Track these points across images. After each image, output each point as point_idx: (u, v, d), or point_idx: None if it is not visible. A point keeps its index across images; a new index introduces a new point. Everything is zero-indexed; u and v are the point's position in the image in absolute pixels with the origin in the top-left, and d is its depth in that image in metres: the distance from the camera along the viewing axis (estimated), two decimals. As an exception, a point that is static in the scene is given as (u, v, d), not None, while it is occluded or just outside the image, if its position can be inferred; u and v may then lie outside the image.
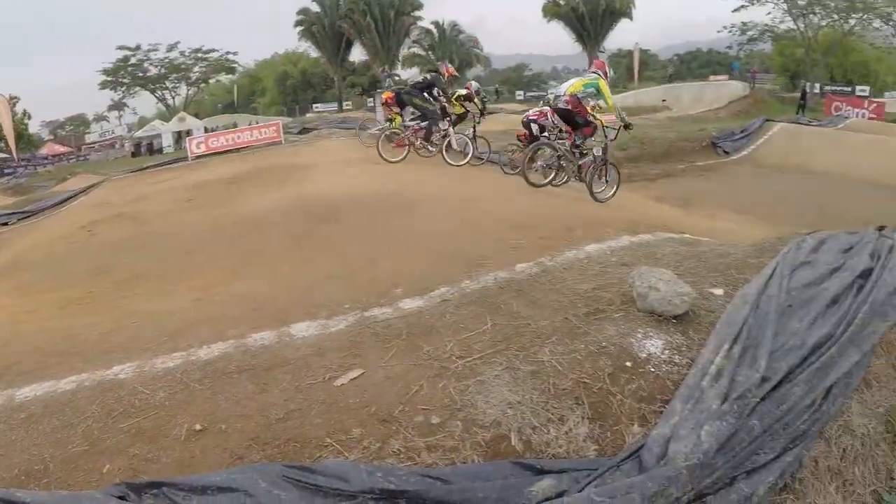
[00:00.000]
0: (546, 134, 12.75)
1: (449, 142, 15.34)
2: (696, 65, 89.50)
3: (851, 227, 13.18)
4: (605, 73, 11.74)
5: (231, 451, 3.46)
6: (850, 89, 53.18)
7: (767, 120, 29.22)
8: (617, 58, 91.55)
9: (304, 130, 25.14)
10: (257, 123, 31.05)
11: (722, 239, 9.25)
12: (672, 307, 4.23)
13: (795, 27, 53.98)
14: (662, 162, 24.19)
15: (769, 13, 55.43)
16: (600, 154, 11.76)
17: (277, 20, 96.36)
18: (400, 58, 70.44)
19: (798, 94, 42.90)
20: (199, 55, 63.84)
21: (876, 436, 4.43)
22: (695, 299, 4.54)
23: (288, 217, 9.69)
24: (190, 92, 67.12)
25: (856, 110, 39.88)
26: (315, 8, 69.84)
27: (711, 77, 62.61)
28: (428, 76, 15.56)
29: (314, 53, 74.95)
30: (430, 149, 15.33)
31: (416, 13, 69.20)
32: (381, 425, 3.59)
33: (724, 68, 70.26)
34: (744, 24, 56.70)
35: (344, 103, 68.67)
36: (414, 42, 69.38)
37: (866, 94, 52.24)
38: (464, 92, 16.32)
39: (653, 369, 4.05)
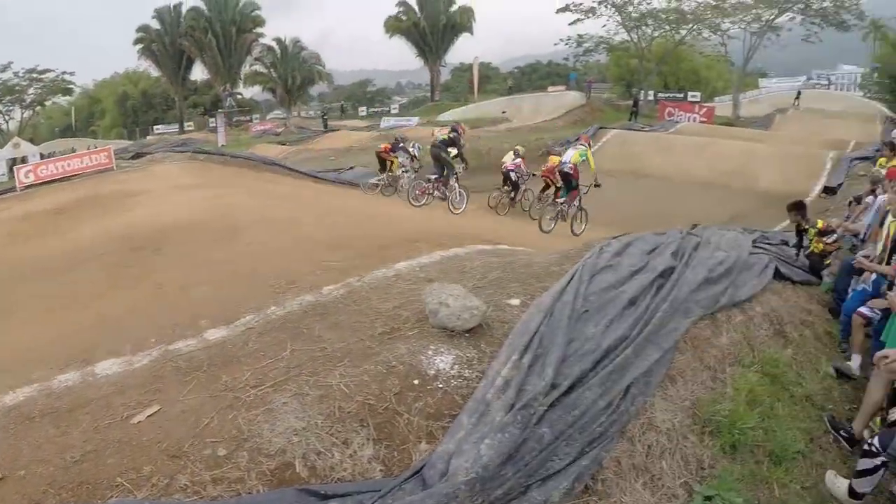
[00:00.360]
0: (520, 182, 19.38)
1: (455, 191, 18.09)
2: (536, 76, 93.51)
3: (680, 227, 13.95)
4: (590, 144, 17.45)
5: (29, 497, 3.42)
6: (682, 95, 58.07)
7: (601, 127, 31.25)
8: (459, 71, 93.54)
9: (138, 155, 24.22)
10: (96, 147, 29.65)
11: (545, 246, 9.47)
12: (462, 322, 4.48)
13: (629, 38, 56.88)
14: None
15: (604, 25, 58.25)
16: (578, 204, 16.76)
17: (117, 37, 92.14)
18: (242, 76, 68.98)
19: (631, 102, 44.73)
20: (34, 76, 60.20)
21: (683, 429, 4.84)
22: (489, 312, 4.90)
23: (110, 248, 9.56)
24: (25, 115, 63.22)
25: (687, 115, 43.40)
26: (155, 25, 66.64)
27: (550, 88, 65.96)
28: (451, 135, 18.58)
29: (155, 73, 71.96)
30: (447, 194, 17.91)
31: (258, 30, 68.39)
32: (171, 461, 3.62)
33: (563, 79, 73.32)
34: (580, 36, 59.83)
35: (186, 124, 66.80)
36: (256, 60, 68.38)
37: (697, 99, 56.76)
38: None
39: (441, 385, 4.27)
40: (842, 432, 5.73)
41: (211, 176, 15.35)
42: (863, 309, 6.97)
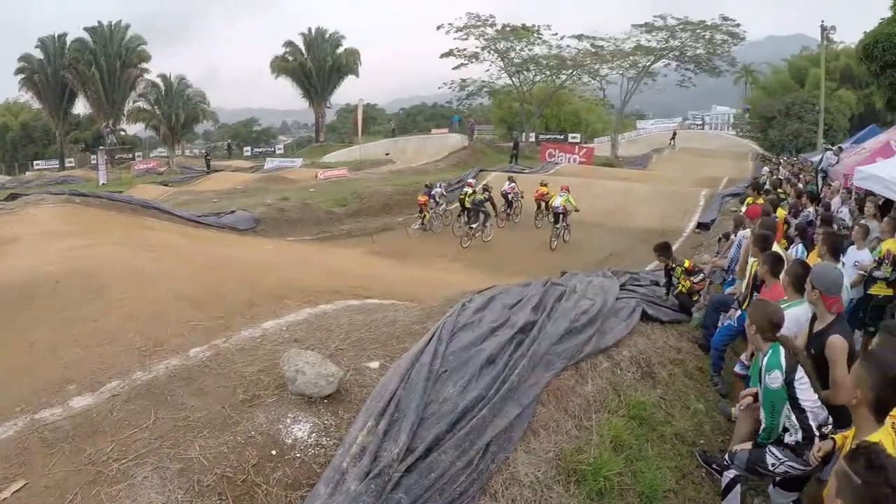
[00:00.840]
0: (514, 201, 26.15)
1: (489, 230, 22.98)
2: (421, 118, 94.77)
3: (558, 268, 14.24)
4: (569, 190, 22.94)
5: None
6: (562, 137, 59.27)
7: (482, 170, 31.79)
8: (345, 112, 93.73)
9: (13, 196, 23.06)
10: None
11: (425, 292, 9.54)
12: (319, 389, 4.47)
13: (512, 82, 58.17)
14: (381, 216, 25.09)
15: (487, 70, 59.67)
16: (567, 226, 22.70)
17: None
18: (125, 112, 67.04)
19: (512, 144, 45.74)
20: None
21: (548, 480, 4.89)
22: (348, 376, 4.85)
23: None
24: None
25: (568, 156, 44.51)
26: (39, 55, 63.92)
27: (434, 130, 66.42)
28: (485, 195, 23.33)
29: (36, 105, 68.51)
30: (485, 233, 22.71)
31: (143, 65, 66.64)
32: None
33: (447, 121, 74.64)
34: (463, 80, 60.69)
35: (66, 160, 63.83)
36: (140, 96, 66.60)
37: (577, 140, 58.47)
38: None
39: (299, 454, 4.20)
40: (714, 465, 5.95)
41: (86, 221, 14.72)
42: (737, 369, 7.34)
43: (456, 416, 4.50)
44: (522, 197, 26.44)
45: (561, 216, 22.27)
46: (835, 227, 13.07)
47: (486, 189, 24.74)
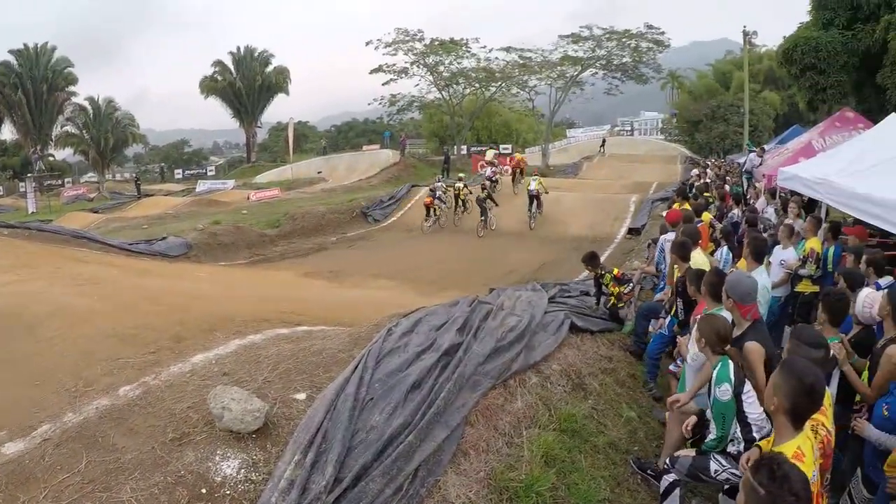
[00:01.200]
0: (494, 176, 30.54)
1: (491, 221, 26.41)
2: (352, 134, 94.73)
3: (494, 280, 14.28)
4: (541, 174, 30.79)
5: None
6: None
7: (414, 186, 31.45)
8: (276, 131, 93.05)
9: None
10: None
11: (357, 314, 9.54)
12: (246, 425, 4.48)
13: (442, 96, 58.24)
14: (315, 236, 24.97)
15: (417, 85, 59.85)
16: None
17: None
18: (53, 137, 65.24)
19: (442, 158, 45.93)
20: None
21: (480, 500, 4.95)
22: (275, 409, 4.84)
23: None
24: None
25: (499, 167, 43.74)
26: None
27: (365, 147, 66.15)
28: (485, 193, 26.43)
29: None
30: (489, 225, 26.08)
31: (71, 88, 64.70)
32: None
33: (379, 136, 74.39)
34: (392, 95, 60.60)
35: (-7, 188, 61.86)
36: (67, 120, 64.78)
37: (509, 151, 57.93)
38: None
39: (229, 492, 4.20)
40: (649, 471, 6.07)
41: (15, 255, 14.29)
42: (671, 367, 7.52)
43: (383, 443, 4.56)
44: (503, 174, 32.99)
45: (535, 199, 26.19)
46: (761, 227, 13.47)
47: (484, 188, 27.21)
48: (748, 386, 4.80)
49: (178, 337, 7.42)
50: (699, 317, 6.18)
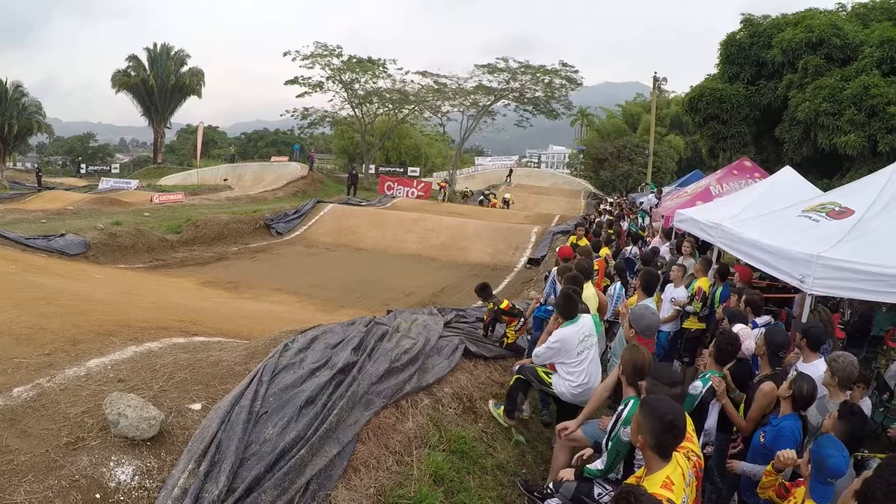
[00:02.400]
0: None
1: None
2: (262, 144, 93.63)
3: (394, 301, 14.40)
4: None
5: None
6: (402, 170, 59.36)
7: (319, 201, 31.42)
8: (185, 133, 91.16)
9: None
10: None
11: (255, 327, 9.54)
12: (141, 432, 4.53)
13: (354, 114, 58.03)
14: (216, 245, 24.52)
15: (331, 100, 59.49)
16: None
17: None
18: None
19: (348, 176, 46.19)
20: None
21: None
22: (171, 418, 4.99)
23: None
24: None
25: (406, 189, 44.84)
26: None
27: (274, 158, 65.27)
28: (487, 190, 38.70)
29: None
30: None
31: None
32: None
33: (289, 148, 73.46)
34: (305, 109, 59.94)
35: None
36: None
37: (417, 174, 58.65)
38: None
39: (123, 498, 4.22)
40: (535, 493, 6.33)
41: None
42: None
43: (275, 456, 4.68)
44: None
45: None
46: (659, 263, 14.08)
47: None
48: None
49: (74, 340, 7.30)
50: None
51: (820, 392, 5.73)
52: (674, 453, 3.99)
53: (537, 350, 7.31)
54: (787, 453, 4.58)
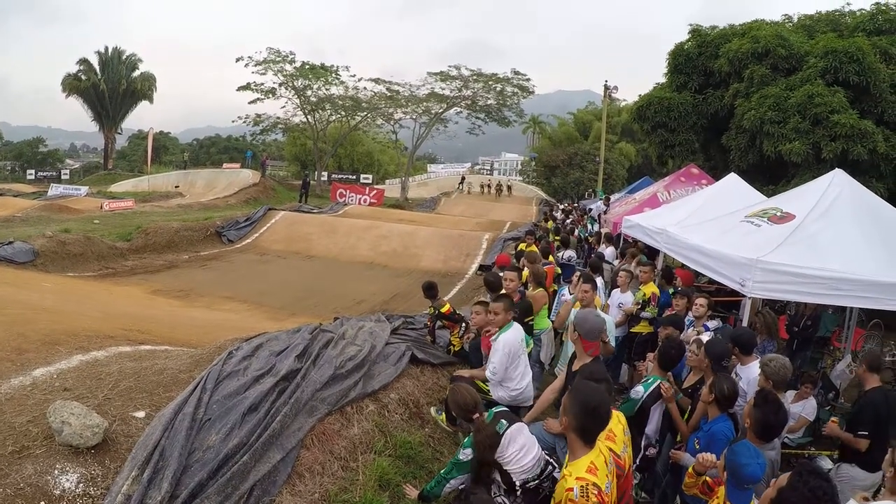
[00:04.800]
0: None
1: None
2: (214, 150, 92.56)
3: (344, 309, 14.44)
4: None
5: None
6: (354, 177, 59.28)
7: (270, 209, 31.21)
8: (137, 139, 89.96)
9: None
10: None
11: (203, 335, 9.55)
12: (85, 440, 4.60)
13: (307, 120, 57.78)
14: (167, 252, 24.25)
15: (283, 106, 59.18)
16: None
17: None
18: None
19: (301, 183, 45.86)
20: None
21: None
22: (115, 426, 5.03)
23: None
24: None
25: (358, 196, 44.97)
26: None
27: (225, 165, 64.89)
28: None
29: None
30: None
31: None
32: None
33: (242, 154, 72.83)
34: (258, 115, 59.53)
35: None
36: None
37: (369, 181, 58.69)
38: None
39: (67, 504, 4.20)
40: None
41: None
42: None
43: (218, 462, 4.76)
44: None
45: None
46: (608, 268, 14.38)
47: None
48: (514, 447, 5.05)
49: (20, 349, 7.25)
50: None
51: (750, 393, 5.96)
52: (597, 443, 4.16)
53: (492, 366, 7.26)
54: (707, 457, 4.75)
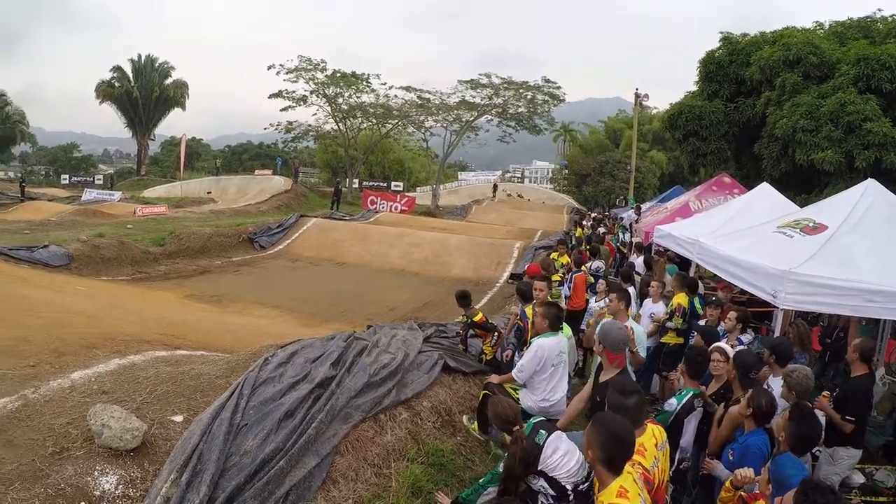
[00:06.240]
0: None
1: None
2: (246, 157, 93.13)
3: (376, 316, 14.46)
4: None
5: None
6: (385, 185, 59.27)
7: (302, 215, 31.39)
8: (169, 145, 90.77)
9: None
10: None
11: (237, 342, 9.62)
12: (125, 443, 4.68)
13: (338, 128, 57.97)
14: (200, 258, 24.40)
15: (315, 114, 59.26)
16: None
17: None
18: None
19: (333, 190, 45.98)
20: None
21: None
22: (153, 430, 5.10)
23: None
24: None
25: (389, 203, 44.82)
26: None
27: (257, 171, 65.09)
28: None
29: None
30: None
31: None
32: None
33: (273, 161, 73.22)
34: (289, 123, 59.65)
35: None
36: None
37: (400, 188, 58.49)
38: None
39: (105, 506, 4.18)
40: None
41: None
42: None
43: (255, 467, 4.83)
44: None
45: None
46: (637, 280, 14.31)
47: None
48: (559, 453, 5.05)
49: (58, 352, 7.37)
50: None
51: (781, 406, 5.92)
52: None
53: (520, 364, 7.33)
54: (746, 472, 4.72)
